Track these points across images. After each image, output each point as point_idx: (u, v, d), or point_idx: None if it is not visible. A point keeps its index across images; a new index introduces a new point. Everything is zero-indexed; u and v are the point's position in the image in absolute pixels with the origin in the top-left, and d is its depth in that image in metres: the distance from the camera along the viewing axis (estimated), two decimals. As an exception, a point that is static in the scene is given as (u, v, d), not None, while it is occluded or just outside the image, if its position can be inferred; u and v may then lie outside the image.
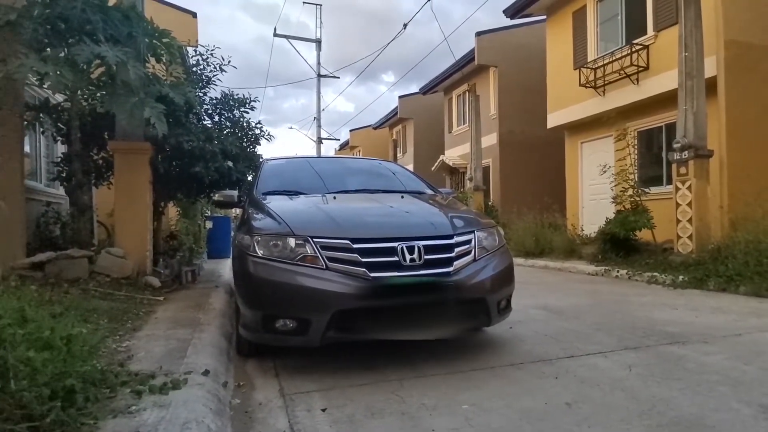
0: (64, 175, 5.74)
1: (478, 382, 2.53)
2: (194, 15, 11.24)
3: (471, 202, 12.30)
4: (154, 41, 4.81)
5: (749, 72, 7.62)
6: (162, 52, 4.96)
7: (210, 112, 6.74)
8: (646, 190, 8.04)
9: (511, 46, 14.79)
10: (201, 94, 6.52)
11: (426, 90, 19.10)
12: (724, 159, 7.47)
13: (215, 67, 6.69)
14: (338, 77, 26.98)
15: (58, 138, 6.03)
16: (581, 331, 3.61)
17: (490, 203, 14.25)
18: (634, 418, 2.05)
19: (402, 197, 3.71)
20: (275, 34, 18.79)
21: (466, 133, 15.36)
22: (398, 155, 21.50)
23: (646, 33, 9.22)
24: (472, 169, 13.14)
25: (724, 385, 2.41)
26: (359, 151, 28.68)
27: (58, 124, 5.63)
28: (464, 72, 16.27)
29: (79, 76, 4.57)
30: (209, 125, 6.57)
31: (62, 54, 4.53)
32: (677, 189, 6.81)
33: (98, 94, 5.50)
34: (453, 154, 17.56)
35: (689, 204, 6.61)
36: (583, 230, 10.26)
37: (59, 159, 5.99)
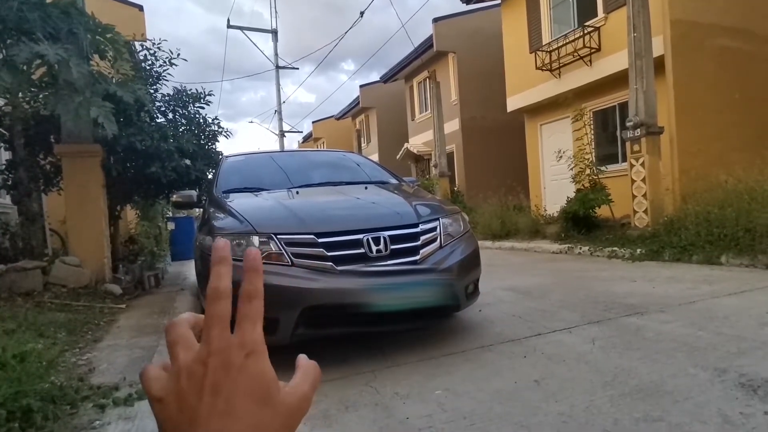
0: (9, 183, 5.44)
1: (450, 367, 2.57)
2: (141, 8, 10.74)
3: (437, 188, 12.40)
4: (97, 37, 4.59)
5: (695, 50, 7.93)
6: (106, 48, 4.74)
7: (163, 109, 6.51)
8: (603, 168, 8.31)
9: (469, 32, 14.89)
10: (152, 91, 6.28)
11: (387, 78, 19.03)
12: (674, 135, 7.78)
13: (165, 62, 6.45)
14: (297, 68, 26.48)
15: (1, 144, 5.70)
16: (547, 310, 3.72)
17: (456, 189, 14.41)
18: (598, 389, 2.13)
19: (366, 188, 3.70)
20: (229, 26, 18.25)
21: (429, 121, 15.44)
22: (362, 145, 21.41)
23: (596, 15, 9.46)
24: (437, 156, 13.22)
25: (681, 352, 2.53)
26: (323, 142, 28.40)
27: (0, 129, 5.31)
28: (424, 59, 16.29)
29: (19, 78, 4.32)
30: (163, 123, 6.35)
31: (0, 55, 4.26)
32: (632, 166, 7.06)
33: (41, 96, 5.21)
34: (417, 142, 17.62)
35: (643, 180, 6.87)
36: (546, 210, 10.53)
37: (3, 166, 5.67)
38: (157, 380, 0.32)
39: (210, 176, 5.96)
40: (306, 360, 0.38)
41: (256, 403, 0.31)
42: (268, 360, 0.33)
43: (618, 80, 8.72)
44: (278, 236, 2.70)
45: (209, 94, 6.67)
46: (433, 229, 2.99)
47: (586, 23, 9.49)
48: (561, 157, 8.63)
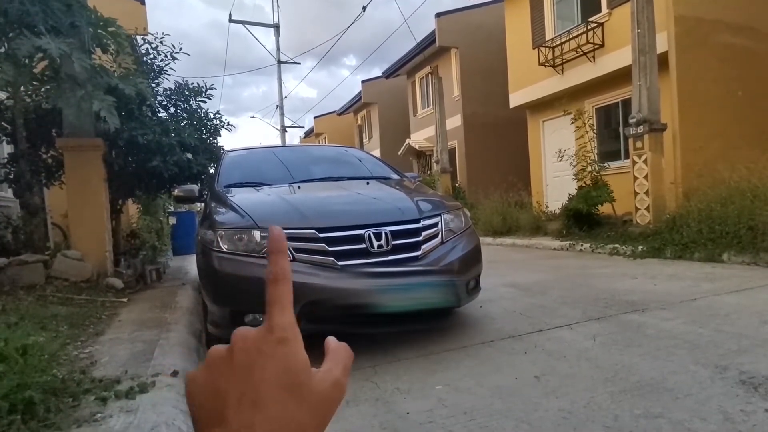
0: (11, 176, 5.44)
1: (451, 363, 2.57)
2: (142, 2, 10.71)
3: (438, 184, 12.39)
4: (99, 31, 4.57)
5: (699, 46, 7.89)
6: (108, 42, 4.73)
7: (165, 103, 6.49)
8: (606, 165, 8.29)
9: (472, 27, 14.82)
10: (154, 85, 6.26)
11: (389, 74, 18.97)
12: (677, 132, 7.76)
13: (166, 56, 6.42)
14: (299, 63, 26.47)
15: (3, 138, 5.70)
16: (548, 306, 3.72)
17: (457, 185, 14.39)
18: (598, 385, 2.14)
19: (368, 184, 3.69)
20: (231, 20, 18.19)
21: (430, 116, 15.40)
22: (364, 141, 21.37)
23: (600, 11, 9.41)
24: (438, 152, 13.20)
25: (682, 349, 2.53)
26: (324, 138, 28.36)
27: (2, 123, 5.30)
28: (426, 54, 16.23)
29: (20, 71, 4.31)
30: (165, 117, 6.33)
31: (2, 49, 4.25)
32: (634, 163, 7.04)
33: (42, 90, 5.20)
34: (419, 138, 17.59)
35: (645, 177, 6.85)
36: (547, 207, 10.52)
37: (5, 160, 5.67)
38: (194, 373, 0.32)
39: (211, 171, 5.96)
40: (335, 342, 0.36)
41: (285, 391, 0.30)
42: (300, 346, 0.32)
43: (621, 76, 8.68)
44: (279, 231, 2.70)
45: (211, 89, 6.65)
46: (435, 224, 2.99)
47: (590, 19, 9.44)
48: (562, 157, 8.60)
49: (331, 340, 0.36)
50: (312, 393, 0.31)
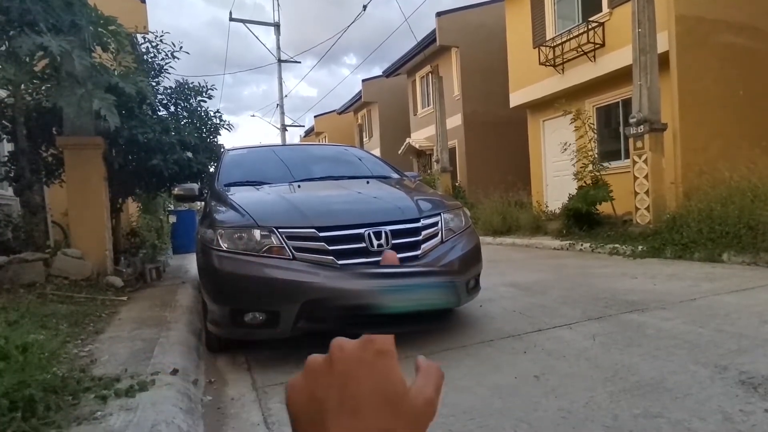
0: (12, 174, 5.44)
1: (451, 362, 2.57)
2: (143, 0, 10.72)
3: (438, 184, 12.39)
4: (100, 29, 4.57)
5: (700, 46, 7.88)
6: (109, 40, 4.73)
7: (165, 102, 6.49)
8: (606, 164, 8.28)
9: (472, 26, 14.81)
10: (154, 84, 6.26)
11: (389, 73, 18.96)
12: (677, 132, 7.75)
13: (167, 55, 6.42)
14: (299, 62, 26.46)
15: (3, 136, 5.70)
16: (548, 306, 3.72)
17: (457, 184, 14.39)
18: (597, 385, 2.14)
19: (368, 183, 3.69)
20: (231, 19, 18.17)
21: (431, 115, 15.39)
22: (364, 140, 21.36)
23: (601, 10, 9.40)
24: (439, 151, 13.19)
25: (682, 349, 2.53)
26: (325, 137, 28.35)
27: (2, 121, 5.31)
28: (426, 53, 16.21)
29: (21, 69, 4.31)
30: (165, 116, 6.33)
31: (3, 47, 4.25)
32: (634, 162, 7.04)
33: (43, 88, 5.20)
34: (419, 137, 17.59)
35: (646, 177, 6.85)
36: (547, 207, 10.52)
37: (6, 158, 5.67)
38: (293, 381, 0.33)
39: (211, 169, 5.96)
40: (426, 361, 0.36)
41: (383, 402, 0.30)
42: (396, 361, 0.32)
43: (621, 76, 8.67)
44: (279, 230, 2.70)
45: (211, 88, 6.66)
46: (435, 224, 2.99)
47: (591, 18, 9.43)
48: (566, 149, 8.56)
49: (422, 360, 0.36)
50: (407, 407, 0.31)
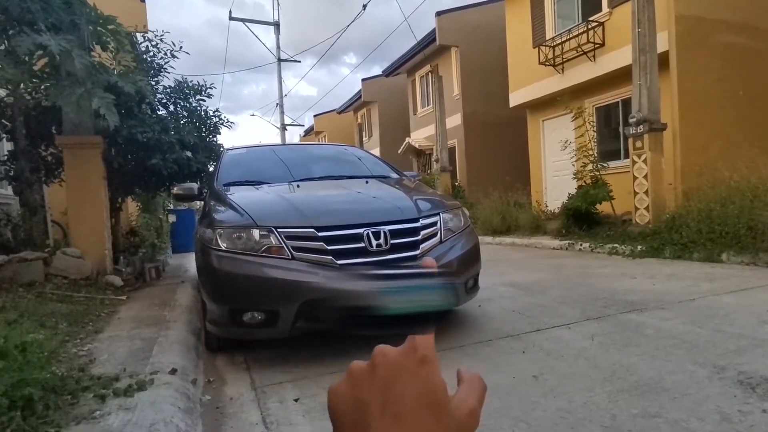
0: (11, 173, 5.44)
1: (449, 362, 2.57)
2: (143, -1, 10.70)
3: (438, 183, 12.39)
4: (99, 28, 4.56)
5: (700, 46, 7.88)
6: (108, 39, 4.72)
7: (164, 101, 6.49)
8: (605, 164, 8.28)
9: (472, 26, 14.81)
10: (153, 83, 6.26)
11: (389, 72, 18.95)
12: (677, 132, 7.75)
13: (166, 54, 6.42)
14: (299, 61, 26.43)
15: (3, 135, 5.70)
16: (547, 305, 3.72)
17: (457, 184, 14.39)
18: (596, 385, 2.14)
19: (367, 182, 3.69)
20: (231, 18, 18.15)
21: (430, 115, 15.39)
22: (364, 139, 21.35)
23: (601, 10, 9.40)
24: (438, 151, 13.19)
25: (680, 349, 2.53)
26: (324, 136, 28.34)
27: (2, 120, 5.31)
28: (426, 53, 16.20)
29: (20, 69, 4.30)
30: (164, 115, 6.33)
31: (2, 46, 4.25)
32: (634, 162, 7.04)
33: (42, 87, 5.20)
34: (419, 136, 17.59)
35: (645, 176, 6.85)
36: (547, 206, 10.52)
37: (5, 157, 5.67)
38: (336, 386, 0.34)
39: (211, 169, 5.96)
40: (469, 372, 0.36)
41: (425, 409, 0.30)
42: (439, 369, 0.32)
43: (621, 76, 8.68)
44: (278, 230, 2.70)
45: (211, 87, 6.66)
46: (434, 224, 2.99)
47: (591, 18, 9.43)
48: (566, 147, 8.54)
49: (464, 370, 0.36)
50: (449, 417, 0.31)
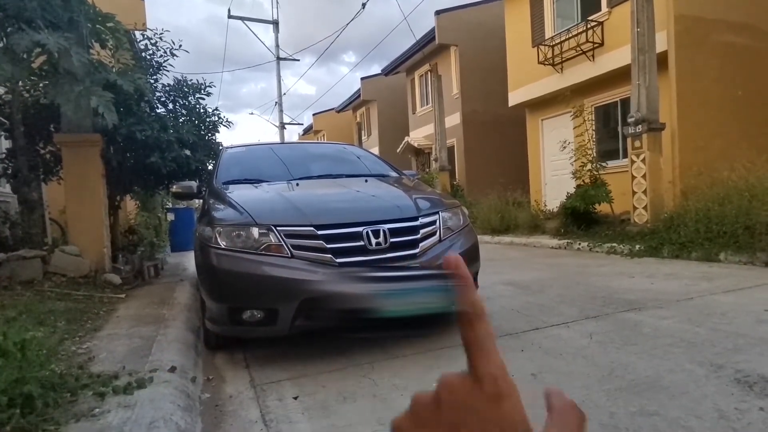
0: (9, 171, 5.43)
1: (448, 360, 2.58)
2: (141, -3, 10.67)
3: (437, 182, 12.39)
4: (98, 26, 4.56)
5: (698, 45, 7.89)
6: (107, 37, 4.71)
7: (163, 99, 6.48)
8: (604, 164, 8.29)
9: (471, 25, 14.80)
10: (152, 81, 6.25)
11: (388, 71, 18.93)
12: (676, 131, 7.77)
13: (165, 52, 6.41)
14: (298, 60, 26.33)
15: (1, 133, 5.68)
16: (545, 304, 3.73)
17: (456, 183, 14.39)
18: (594, 383, 2.15)
19: (366, 181, 3.69)
20: (230, 16, 18.12)
21: (429, 114, 15.39)
22: (363, 138, 21.34)
23: (600, 9, 9.40)
24: (437, 150, 13.19)
25: (678, 347, 2.54)
26: (323, 135, 28.31)
27: (0, 118, 5.29)
28: (425, 52, 16.19)
29: (19, 66, 4.29)
30: (163, 113, 6.32)
31: (0, 44, 4.24)
32: (632, 162, 7.05)
33: (41, 85, 5.19)
34: (418, 135, 17.58)
35: (644, 176, 6.86)
36: (546, 206, 10.53)
37: (3, 155, 5.66)
38: (399, 421, 0.30)
39: (210, 167, 5.95)
40: (562, 399, 0.30)
41: None
42: (517, 400, 0.27)
43: (620, 76, 8.68)
44: (278, 228, 2.70)
45: (210, 86, 6.65)
46: (433, 222, 2.99)
47: (590, 18, 9.43)
48: (565, 147, 8.55)
49: (556, 395, 0.30)
50: None
